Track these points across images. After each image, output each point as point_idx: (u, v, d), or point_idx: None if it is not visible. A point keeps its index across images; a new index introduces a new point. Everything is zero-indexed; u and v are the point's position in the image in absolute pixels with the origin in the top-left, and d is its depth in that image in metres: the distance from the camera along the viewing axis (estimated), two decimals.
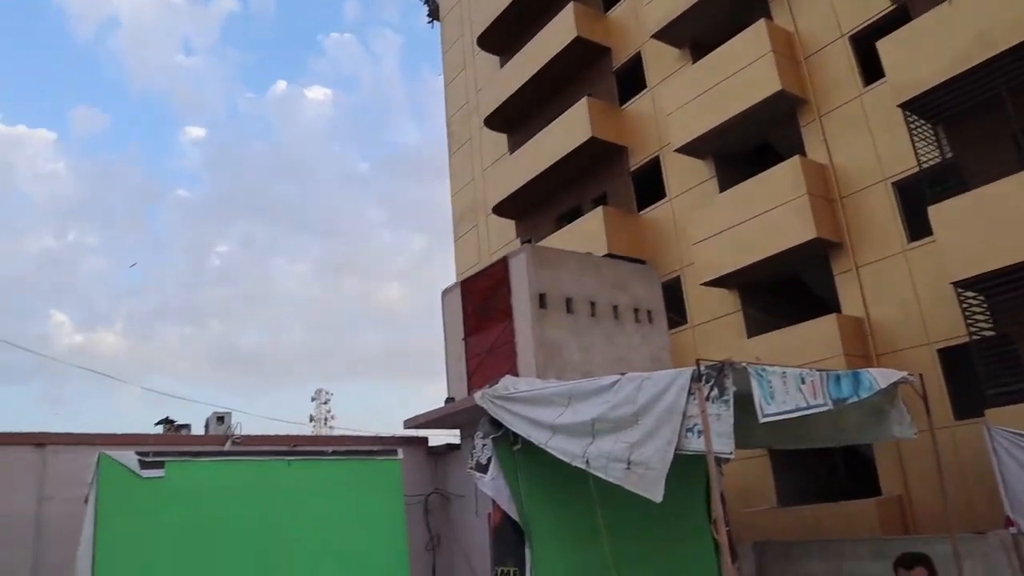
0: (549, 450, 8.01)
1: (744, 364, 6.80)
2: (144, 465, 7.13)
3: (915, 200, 13.29)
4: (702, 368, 6.77)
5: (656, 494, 7.05)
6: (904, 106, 12.87)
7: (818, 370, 7.58)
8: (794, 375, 7.14)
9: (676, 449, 7.08)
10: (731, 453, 6.68)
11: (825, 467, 15.22)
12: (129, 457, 7.10)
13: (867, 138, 14.30)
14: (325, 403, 43.71)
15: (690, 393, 7.06)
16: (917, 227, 13.22)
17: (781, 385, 6.97)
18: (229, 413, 9.80)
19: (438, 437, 11.07)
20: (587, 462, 7.59)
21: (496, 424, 8.76)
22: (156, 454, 7.26)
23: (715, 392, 6.81)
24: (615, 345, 10.46)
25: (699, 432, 6.92)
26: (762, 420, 6.78)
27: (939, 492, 10.15)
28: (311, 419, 41.57)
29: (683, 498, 10.39)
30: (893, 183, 13.89)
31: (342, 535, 7.76)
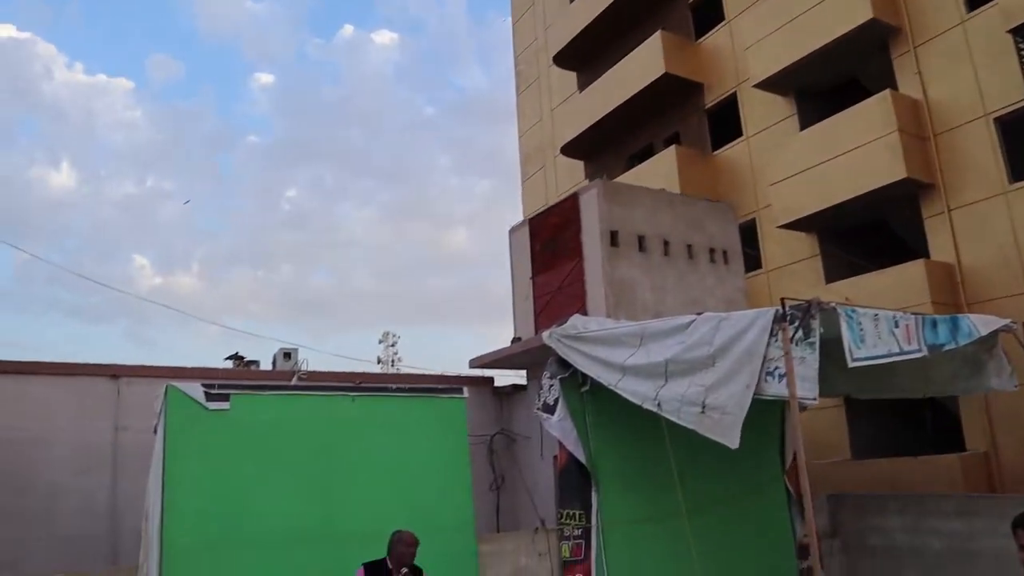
0: (619, 391, 7.72)
1: (833, 304, 6.33)
2: (210, 397, 7.11)
3: (1019, 138, 12.28)
4: (787, 308, 6.33)
5: (732, 440, 6.70)
6: (1016, 31, 11.77)
7: (913, 313, 7.04)
8: (887, 318, 6.64)
9: (754, 393, 6.69)
10: (815, 399, 6.26)
11: (903, 420, 14.56)
12: (195, 389, 7.09)
13: (967, 70, 13.22)
14: (392, 346, 44.11)
15: (771, 335, 6.65)
16: (1021, 167, 12.24)
17: (873, 328, 6.48)
18: (296, 349, 9.80)
19: (504, 378, 10.92)
20: (659, 405, 7.27)
21: (564, 364, 8.50)
22: (222, 386, 7.23)
23: (800, 334, 6.38)
24: (688, 286, 10.03)
25: (780, 376, 6.52)
26: (851, 365, 6.32)
27: None
28: (378, 361, 42.05)
29: (756, 445, 10.00)
30: (995, 119, 12.85)
31: (406, 472, 7.66)
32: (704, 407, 6.91)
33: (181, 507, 6.77)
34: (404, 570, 5.51)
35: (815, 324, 6.29)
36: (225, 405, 7.16)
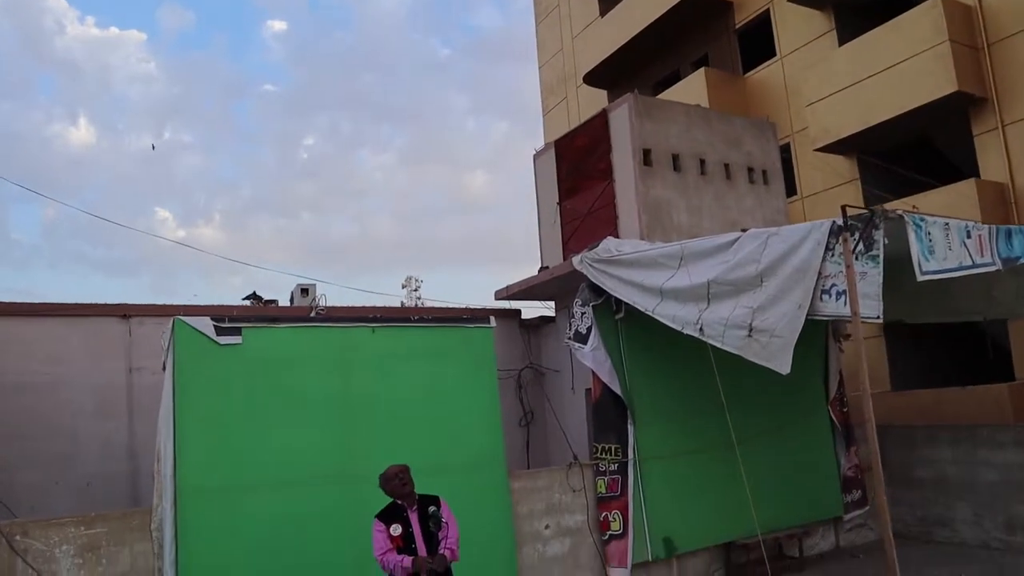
0: (656, 317, 7.18)
1: (900, 212, 5.69)
2: (221, 331, 6.67)
3: None
4: (848, 218, 5.71)
5: (783, 364, 6.17)
6: None
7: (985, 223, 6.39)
8: (958, 227, 6.00)
9: (808, 314, 6.12)
10: (879, 317, 5.68)
11: (946, 350, 13.92)
12: (204, 323, 6.65)
13: None
14: (415, 290, 43.80)
15: (827, 249, 6.04)
16: None
17: (943, 238, 5.85)
18: (313, 285, 9.33)
19: (532, 310, 10.40)
20: (701, 329, 6.74)
21: (597, 291, 7.96)
22: (232, 320, 6.79)
23: (861, 247, 5.77)
24: (726, 207, 9.39)
25: (837, 294, 5.93)
26: (921, 279, 5.71)
27: None
28: (401, 305, 41.76)
29: (799, 374, 9.45)
30: None
31: (431, 407, 7.23)
32: (751, 330, 6.37)
33: (194, 448, 6.40)
34: (431, 510, 5.06)
35: (879, 235, 5.67)
36: (237, 339, 6.72)
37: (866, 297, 5.68)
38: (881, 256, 5.69)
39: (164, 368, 6.65)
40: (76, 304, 9.12)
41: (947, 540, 9.72)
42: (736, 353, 6.45)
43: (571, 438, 8.79)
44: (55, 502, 8.24)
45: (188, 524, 6.24)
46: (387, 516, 5.17)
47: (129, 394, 9.08)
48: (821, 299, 6.08)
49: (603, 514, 7.78)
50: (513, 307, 10.25)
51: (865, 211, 5.74)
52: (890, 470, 10.60)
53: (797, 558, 8.90)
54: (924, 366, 13.64)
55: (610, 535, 7.74)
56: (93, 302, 9.22)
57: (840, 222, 5.88)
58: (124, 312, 9.06)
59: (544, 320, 9.98)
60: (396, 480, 5.17)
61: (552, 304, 10.11)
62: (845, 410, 9.94)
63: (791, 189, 15.51)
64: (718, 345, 6.57)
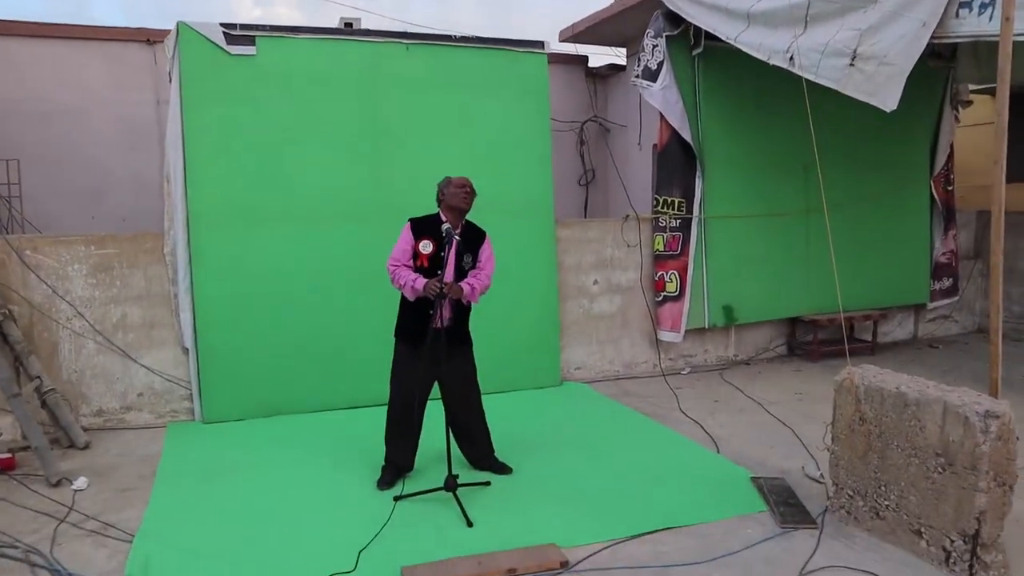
0: (740, 46, 5.98)
1: None
2: (231, 40, 5.85)
3: None
4: None
5: (889, 99, 5.02)
6: None
7: None
8: None
9: (934, 36, 4.87)
10: None
11: None
12: (213, 29, 5.82)
13: None
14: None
15: None
16: None
17: None
18: (359, 19, 8.22)
19: (600, 56, 9.17)
20: (791, 59, 5.55)
21: (674, 20, 6.73)
22: (244, 27, 5.92)
23: None
24: None
25: (983, 6, 4.63)
26: None
27: None
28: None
29: (904, 140, 8.24)
30: None
31: (473, 140, 6.40)
32: (855, 57, 5.16)
33: (205, 170, 5.82)
34: (451, 230, 4.18)
35: None
36: (251, 50, 5.91)
37: None
38: None
39: (169, 78, 5.93)
40: (97, 27, 8.39)
41: None
42: (833, 87, 5.29)
43: (633, 198, 7.94)
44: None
45: (201, 248, 5.80)
46: (422, 227, 4.29)
47: (160, 129, 8.51)
48: (957, 15, 4.80)
49: (659, 273, 7.06)
50: (580, 53, 9.05)
51: None
52: (990, 260, 9.53)
53: (869, 342, 8.16)
54: None
55: (664, 296, 7.07)
56: (112, 25, 8.44)
57: None
58: (148, 37, 8.28)
59: (613, 68, 8.79)
60: (459, 189, 4.22)
61: (623, 51, 8.88)
62: (950, 188, 8.71)
63: None
64: (811, 78, 5.38)
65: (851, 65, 5.22)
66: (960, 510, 3.30)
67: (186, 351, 5.93)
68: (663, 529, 3.85)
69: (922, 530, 3.49)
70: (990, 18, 4.57)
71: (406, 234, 4.32)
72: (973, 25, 4.69)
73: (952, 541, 3.35)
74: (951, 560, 3.37)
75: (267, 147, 5.93)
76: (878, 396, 3.68)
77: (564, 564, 3.47)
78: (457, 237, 4.21)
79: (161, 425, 5.88)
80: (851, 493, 3.86)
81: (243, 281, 5.88)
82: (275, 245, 5.94)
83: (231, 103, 5.85)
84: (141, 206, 8.29)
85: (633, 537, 3.76)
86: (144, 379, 5.93)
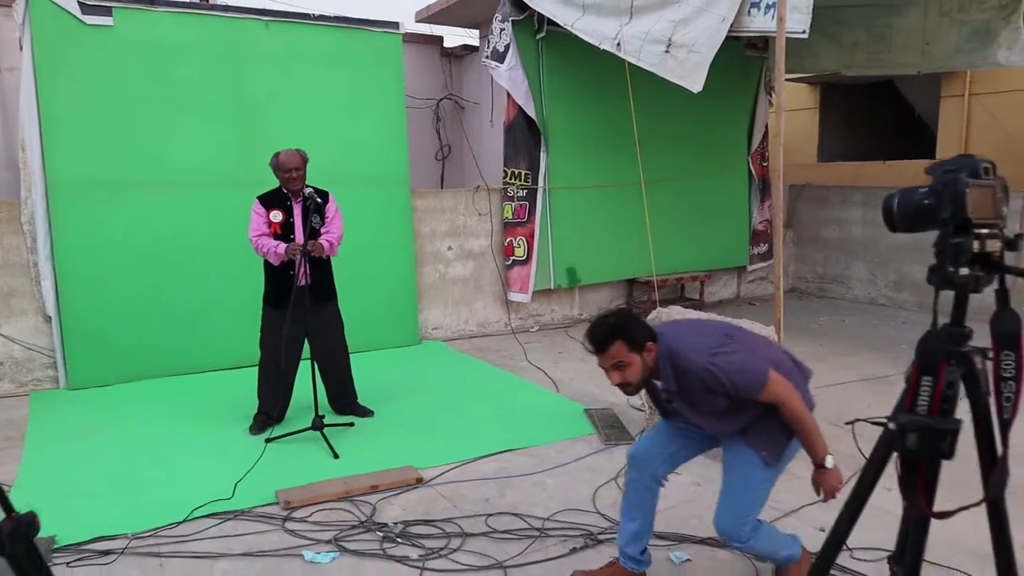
0: (575, 33, 6.67)
1: None
2: (86, 9, 5.91)
3: None
4: None
5: (695, 82, 5.83)
6: None
7: None
8: None
9: (731, 29, 5.71)
10: (805, 32, 5.29)
11: (876, 130, 13.87)
12: None
13: None
14: None
15: None
16: None
17: None
18: None
19: (454, 38, 9.66)
20: (618, 45, 6.28)
21: (519, 6, 7.33)
22: None
23: None
24: None
25: (768, 7, 5.49)
26: None
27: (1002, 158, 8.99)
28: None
29: (724, 121, 9.27)
30: None
31: (332, 114, 6.77)
32: (670, 44, 5.95)
33: (63, 139, 5.89)
34: (308, 192, 4.68)
35: None
36: (107, 20, 6.00)
37: (795, 11, 5.26)
38: None
39: (20, 47, 5.93)
40: None
41: (840, 296, 10.13)
42: (652, 71, 6.06)
43: (485, 172, 8.52)
44: None
45: (61, 217, 5.89)
46: (269, 200, 4.82)
47: (4, 98, 8.27)
48: (749, 13, 5.65)
49: (508, 239, 7.71)
50: (435, 34, 9.52)
51: None
52: (799, 229, 10.84)
53: (697, 300, 9.17)
54: (853, 144, 13.66)
55: (513, 260, 7.73)
56: None
57: None
58: None
59: (467, 49, 9.32)
60: (287, 175, 4.71)
61: (476, 33, 9.41)
62: (765, 164, 9.85)
63: None
64: (634, 62, 6.15)
65: (667, 52, 6.00)
66: None
67: (49, 319, 6.00)
68: (506, 451, 4.49)
69: None
70: (772, 17, 5.44)
71: (256, 210, 4.80)
72: (760, 23, 5.56)
73: None
74: None
75: (128, 116, 6.05)
76: None
77: (420, 480, 4.03)
78: (301, 201, 4.75)
79: (24, 394, 5.94)
80: None
81: (106, 249, 6.01)
82: (138, 213, 6.10)
83: (89, 73, 5.93)
84: None
85: (480, 458, 4.38)
86: (3, 348, 5.95)
